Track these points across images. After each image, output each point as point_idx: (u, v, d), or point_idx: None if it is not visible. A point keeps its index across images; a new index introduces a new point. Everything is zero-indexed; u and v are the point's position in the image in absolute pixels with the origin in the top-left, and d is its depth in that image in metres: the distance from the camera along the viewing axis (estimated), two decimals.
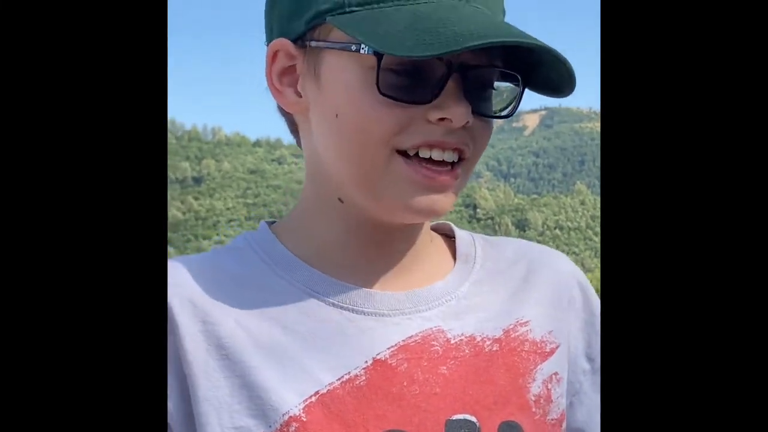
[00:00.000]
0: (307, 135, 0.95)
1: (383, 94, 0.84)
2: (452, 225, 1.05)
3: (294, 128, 0.99)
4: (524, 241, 1.08)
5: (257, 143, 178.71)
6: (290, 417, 0.86)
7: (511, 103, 0.91)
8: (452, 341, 0.93)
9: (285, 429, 0.85)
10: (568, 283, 1.03)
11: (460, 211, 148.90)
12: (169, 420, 0.88)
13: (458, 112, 0.85)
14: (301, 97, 0.93)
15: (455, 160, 0.88)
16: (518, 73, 0.89)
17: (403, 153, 0.87)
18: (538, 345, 0.97)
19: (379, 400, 0.88)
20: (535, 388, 0.95)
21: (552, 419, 0.96)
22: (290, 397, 0.86)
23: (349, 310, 0.92)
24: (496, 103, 0.91)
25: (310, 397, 0.87)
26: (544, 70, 0.87)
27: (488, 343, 0.95)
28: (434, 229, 1.04)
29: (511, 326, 0.96)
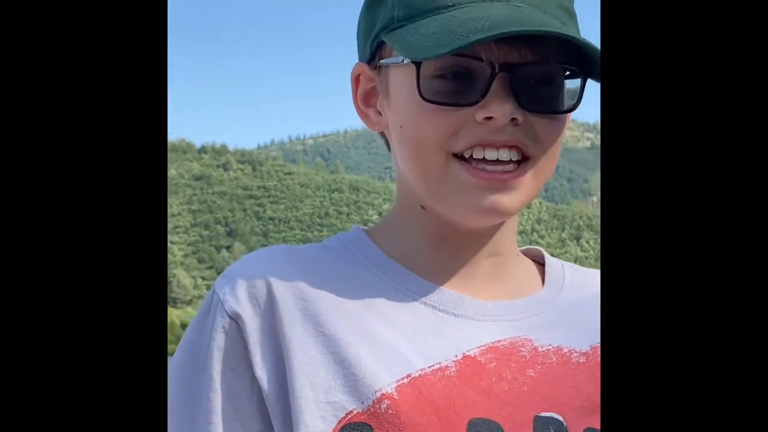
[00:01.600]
0: (393, 150, 1.00)
1: (426, 100, 0.88)
2: (543, 251, 1.08)
3: (389, 147, 1.03)
4: None
5: (203, 149, 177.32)
6: (383, 394, 0.87)
7: (575, 98, 0.91)
8: (540, 349, 0.95)
9: (377, 405, 0.87)
10: None
11: None
12: (264, 395, 0.90)
13: (500, 110, 0.87)
14: (381, 115, 0.98)
15: (514, 159, 0.90)
16: (576, 66, 0.90)
17: (460, 157, 0.90)
18: None
19: (468, 390, 0.90)
20: None
21: None
22: (383, 376, 0.88)
23: (441, 311, 0.95)
24: (566, 98, 0.91)
25: (403, 378, 0.89)
26: (595, 60, 0.88)
27: (575, 354, 0.96)
28: (525, 253, 1.07)
29: (599, 344, 0.97)
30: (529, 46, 0.87)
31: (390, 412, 0.86)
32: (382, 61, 0.96)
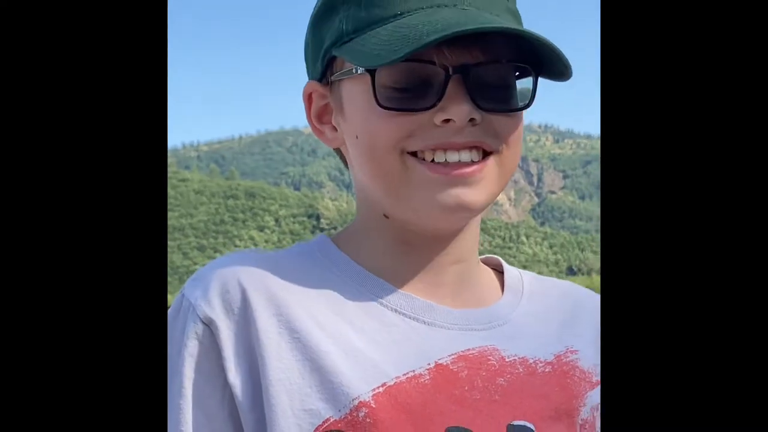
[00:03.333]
0: (350, 164, 1.01)
1: (383, 107, 0.89)
2: (501, 260, 1.09)
3: (345, 163, 1.04)
4: (570, 282, 1.13)
5: None
6: (360, 402, 0.87)
7: (528, 95, 0.93)
8: (507, 359, 0.96)
9: (355, 413, 0.87)
10: None
11: (303, 222, 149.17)
12: (237, 403, 0.89)
13: (459, 111, 0.88)
14: (336, 131, 0.99)
15: (476, 159, 0.91)
16: (528, 65, 0.92)
17: (416, 156, 0.91)
18: (587, 374, 1.00)
19: (442, 399, 0.90)
20: (585, 413, 0.97)
21: None
22: (360, 384, 0.88)
23: (410, 318, 0.95)
24: (519, 96, 0.93)
25: (379, 387, 0.89)
26: (546, 57, 0.90)
27: (541, 365, 0.98)
28: (485, 262, 1.08)
29: (562, 353, 1.00)
30: (480, 47, 0.88)
31: (368, 420, 0.86)
32: (333, 76, 0.97)
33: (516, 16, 0.96)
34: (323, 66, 0.98)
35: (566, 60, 0.89)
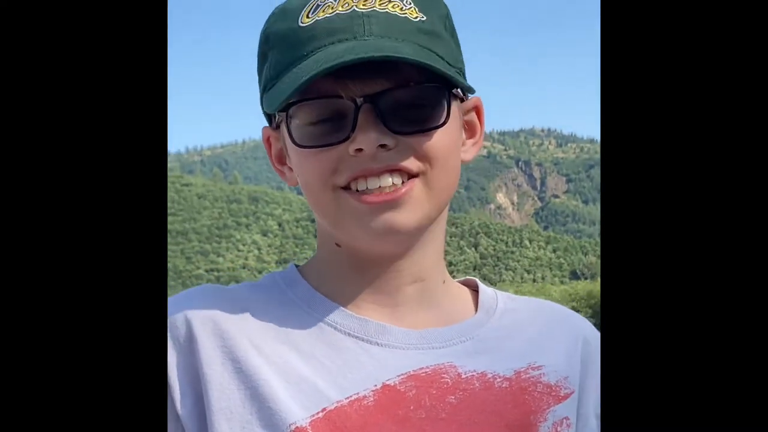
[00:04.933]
0: None
1: (299, 146, 0.94)
2: (477, 280, 1.11)
3: None
4: (548, 301, 1.14)
5: None
6: (296, 428, 0.90)
7: (443, 114, 0.94)
8: (463, 376, 0.97)
9: None
10: (587, 342, 1.07)
11: (306, 226, 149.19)
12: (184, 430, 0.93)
13: (366, 140, 0.90)
14: (293, 171, 1.02)
15: (397, 182, 0.93)
16: (438, 82, 0.93)
17: (347, 189, 0.94)
18: (553, 388, 1.00)
19: (384, 420, 0.92)
20: (544, 428, 0.98)
21: None
22: (297, 411, 0.91)
23: (363, 340, 0.97)
24: (435, 114, 0.94)
25: (318, 412, 0.91)
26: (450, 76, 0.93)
27: (498, 380, 0.98)
28: (464, 283, 1.11)
29: (523, 369, 1.00)
30: (385, 74, 0.90)
31: None
32: (274, 121, 1.01)
33: (434, 33, 0.96)
34: (267, 113, 1.01)
35: (454, 79, 0.93)
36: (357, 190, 0.93)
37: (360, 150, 0.91)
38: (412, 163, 0.93)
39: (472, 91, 0.99)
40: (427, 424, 0.92)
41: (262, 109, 1.01)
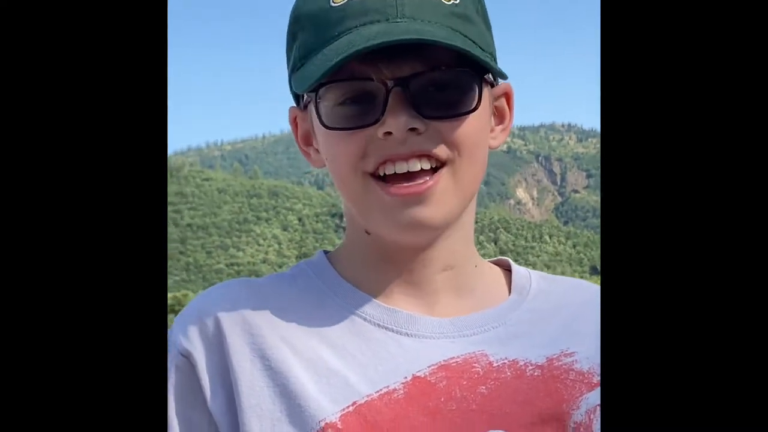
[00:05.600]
0: None
1: (327, 127, 0.92)
2: (509, 260, 1.09)
3: None
4: (583, 280, 1.12)
5: None
6: (326, 424, 0.88)
7: (474, 99, 0.92)
8: (494, 364, 0.96)
9: None
10: None
11: (326, 221, 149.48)
12: (219, 429, 0.93)
13: (395, 123, 0.89)
14: (319, 153, 1.00)
15: (426, 167, 0.92)
16: (469, 67, 0.91)
17: (377, 177, 0.93)
18: (585, 375, 0.98)
19: (415, 413, 0.90)
20: (578, 416, 0.95)
21: None
22: (328, 406, 0.90)
23: (393, 331, 0.96)
24: (466, 100, 0.92)
25: (348, 406, 0.90)
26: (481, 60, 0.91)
27: (531, 368, 0.96)
28: (496, 263, 1.09)
29: (555, 356, 0.98)
30: (418, 57, 0.89)
31: None
32: (302, 102, 1.00)
33: (466, 17, 0.95)
34: (295, 92, 1.01)
35: (486, 63, 0.91)
36: (385, 175, 0.92)
37: (389, 133, 0.89)
38: (440, 150, 0.92)
39: (504, 76, 0.96)
40: (458, 416, 0.91)
41: (290, 88, 1.01)
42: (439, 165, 0.92)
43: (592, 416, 0.96)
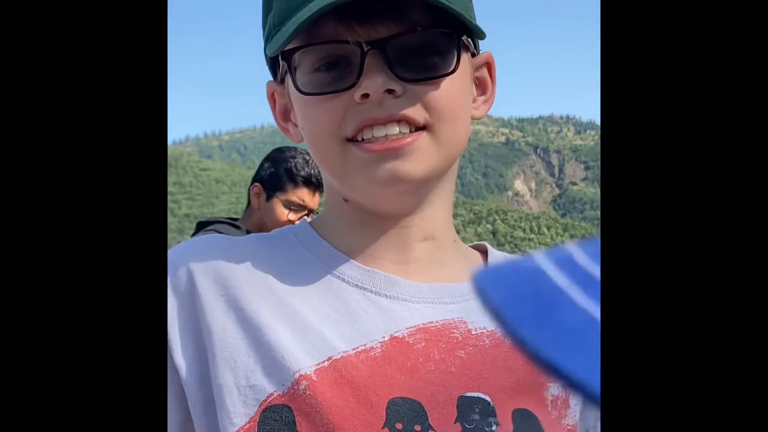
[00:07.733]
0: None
1: (303, 93, 0.90)
2: (487, 245, 1.09)
3: None
4: None
5: None
6: (301, 376, 0.87)
7: (452, 62, 0.90)
8: (473, 332, 0.95)
9: (295, 387, 0.87)
10: None
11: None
12: (183, 383, 0.90)
13: (372, 84, 0.87)
14: (297, 127, 0.99)
15: (404, 131, 0.90)
16: (448, 28, 0.89)
17: (354, 141, 0.91)
18: None
19: (392, 370, 0.89)
20: (555, 389, 0.95)
21: (567, 425, 0.95)
22: (303, 359, 0.88)
23: (372, 292, 0.95)
24: (444, 62, 0.90)
25: (324, 361, 0.89)
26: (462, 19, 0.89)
27: None
28: (474, 248, 1.08)
29: None
30: (393, 18, 0.87)
31: (308, 393, 0.86)
32: (279, 74, 0.98)
33: None
34: (271, 65, 0.99)
35: (464, 18, 0.88)
36: (363, 140, 0.90)
37: (366, 96, 0.88)
38: (418, 113, 0.90)
39: (482, 35, 0.94)
40: (436, 377, 0.90)
41: (266, 58, 0.99)
42: (417, 130, 0.91)
43: (568, 392, 0.96)
